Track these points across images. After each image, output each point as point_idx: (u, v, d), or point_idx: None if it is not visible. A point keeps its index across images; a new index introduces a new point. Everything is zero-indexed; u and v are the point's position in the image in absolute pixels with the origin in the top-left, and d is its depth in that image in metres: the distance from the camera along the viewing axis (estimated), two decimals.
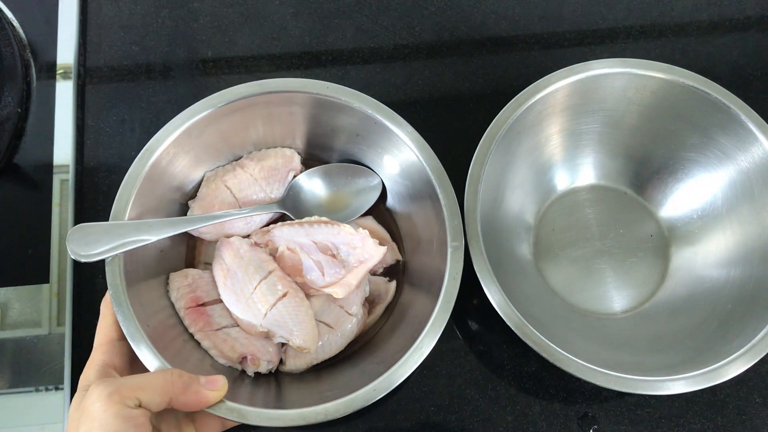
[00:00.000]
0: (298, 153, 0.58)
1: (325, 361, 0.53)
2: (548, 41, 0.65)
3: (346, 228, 0.53)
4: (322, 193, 0.58)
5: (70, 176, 0.57)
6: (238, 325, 0.52)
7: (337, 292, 0.52)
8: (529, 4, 0.66)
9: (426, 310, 0.48)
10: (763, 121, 0.52)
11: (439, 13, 0.66)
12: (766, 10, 0.67)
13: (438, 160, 0.51)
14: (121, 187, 0.48)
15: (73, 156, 0.58)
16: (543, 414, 0.53)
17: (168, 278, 0.53)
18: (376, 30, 0.65)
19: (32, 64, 0.61)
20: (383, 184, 0.57)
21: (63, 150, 0.58)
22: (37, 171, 0.58)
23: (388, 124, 0.52)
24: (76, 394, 0.42)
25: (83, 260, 0.45)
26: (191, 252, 0.56)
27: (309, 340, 0.51)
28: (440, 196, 0.50)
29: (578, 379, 0.46)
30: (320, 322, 0.53)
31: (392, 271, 0.57)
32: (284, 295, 0.51)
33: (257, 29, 0.64)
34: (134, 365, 0.45)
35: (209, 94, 0.51)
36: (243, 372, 0.52)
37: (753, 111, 0.52)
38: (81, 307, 0.54)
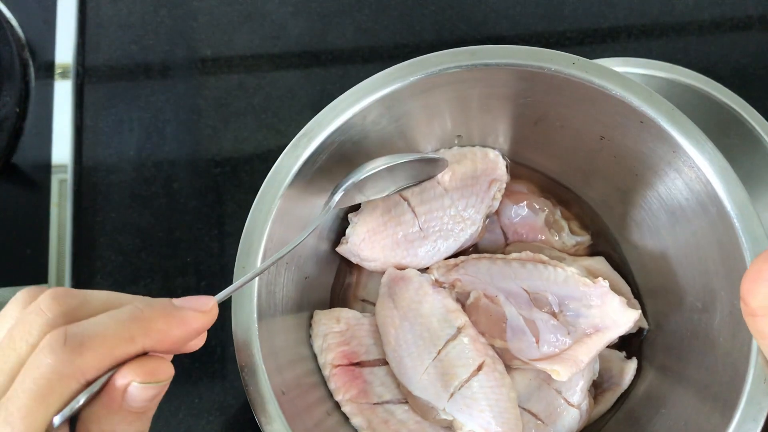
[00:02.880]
0: (503, 156, 0.43)
1: None
2: (549, 40, 0.65)
3: (577, 275, 0.37)
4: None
5: (68, 176, 0.57)
6: (407, 402, 0.37)
7: (559, 371, 0.35)
8: (529, 3, 0.66)
9: (700, 421, 0.33)
10: (765, 120, 0.52)
11: (439, 12, 0.66)
12: None
13: (745, 194, 0.34)
14: (260, 192, 0.36)
15: (72, 156, 0.58)
16: None
17: (311, 318, 0.40)
18: (376, 29, 0.65)
19: (30, 63, 0.60)
20: None
21: (61, 150, 0.58)
22: (36, 171, 0.57)
23: (670, 130, 0.36)
24: None
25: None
26: (343, 281, 0.43)
27: None
28: (739, 231, 0.33)
29: None
30: (525, 410, 0.37)
31: (630, 343, 0.41)
32: (479, 368, 0.36)
33: (257, 28, 0.64)
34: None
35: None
36: None
37: (754, 110, 0.52)
38: None
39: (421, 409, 0.36)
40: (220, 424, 0.52)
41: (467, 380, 0.36)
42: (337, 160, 0.39)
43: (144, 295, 0.53)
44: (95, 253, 0.55)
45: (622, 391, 0.40)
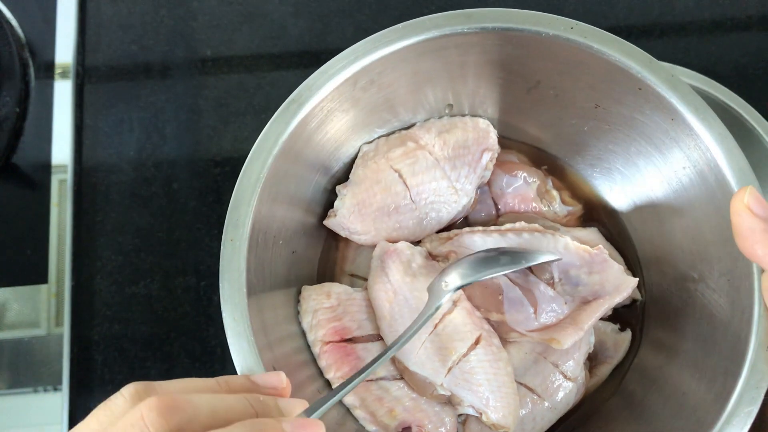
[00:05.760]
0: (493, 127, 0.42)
1: None
2: None
3: (575, 243, 0.36)
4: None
5: (68, 176, 0.57)
6: (402, 378, 0.36)
7: (560, 340, 0.34)
8: (530, 3, 0.66)
9: (699, 395, 0.32)
10: (765, 120, 0.52)
11: (439, 12, 0.66)
12: None
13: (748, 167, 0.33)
14: (247, 162, 0.35)
15: (72, 156, 0.58)
16: None
17: (299, 294, 0.38)
18: (376, 29, 0.64)
19: (30, 63, 0.60)
20: None
21: (61, 150, 0.58)
22: (36, 171, 0.57)
23: (669, 98, 0.34)
24: None
25: None
26: (330, 255, 0.41)
27: (510, 414, 0.34)
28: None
29: None
30: (521, 385, 0.37)
31: (623, 316, 0.40)
32: (477, 342, 0.35)
33: (257, 28, 0.64)
34: None
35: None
36: None
37: (754, 110, 0.52)
38: (79, 307, 0.54)
39: (418, 384, 0.35)
40: None
41: (465, 354, 0.35)
42: (327, 131, 0.38)
43: (144, 295, 0.54)
44: (95, 253, 0.55)
45: (617, 363, 0.40)
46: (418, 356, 0.35)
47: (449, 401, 0.36)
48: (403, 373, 0.36)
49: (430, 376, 0.35)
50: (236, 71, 0.63)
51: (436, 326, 0.36)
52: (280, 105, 0.60)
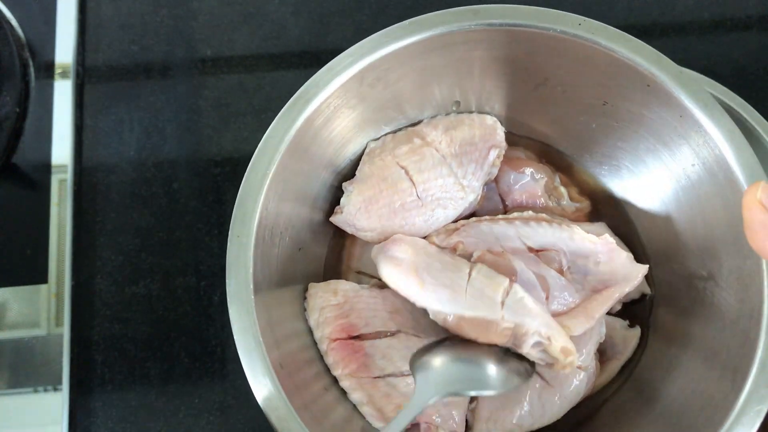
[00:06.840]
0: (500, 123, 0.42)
1: None
2: None
3: (582, 232, 0.36)
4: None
5: (68, 176, 0.57)
6: (409, 375, 0.35)
7: (571, 327, 0.34)
8: (529, 3, 0.66)
9: (709, 389, 0.32)
10: (765, 120, 0.52)
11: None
12: None
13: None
14: (254, 158, 0.34)
15: (72, 156, 0.58)
16: None
17: (306, 291, 0.39)
18: (376, 29, 0.64)
19: (30, 63, 0.60)
20: None
21: (61, 150, 0.58)
22: (36, 171, 0.57)
23: (678, 94, 0.34)
24: None
25: None
26: (336, 253, 0.42)
27: (569, 343, 0.33)
28: None
29: None
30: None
31: (632, 311, 0.40)
32: (512, 281, 0.35)
33: (256, 28, 0.64)
34: None
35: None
36: None
37: (754, 110, 0.52)
38: (80, 307, 0.54)
39: (480, 328, 0.34)
40: (220, 424, 0.52)
41: (510, 287, 0.34)
42: (334, 128, 0.37)
43: (144, 295, 0.54)
44: (95, 253, 0.55)
45: (626, 359, 0.39)
46: (467, 300, 0.34)
47: (513, 338, 0.34)
48: (458, 327, 0.34)
49: (487, 314, 0.34)
50: (236, 71, 0.63)
51: (470, 274, 0.35)
52: (281, 105, 0.60)
